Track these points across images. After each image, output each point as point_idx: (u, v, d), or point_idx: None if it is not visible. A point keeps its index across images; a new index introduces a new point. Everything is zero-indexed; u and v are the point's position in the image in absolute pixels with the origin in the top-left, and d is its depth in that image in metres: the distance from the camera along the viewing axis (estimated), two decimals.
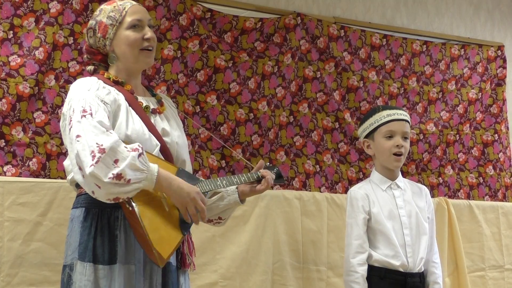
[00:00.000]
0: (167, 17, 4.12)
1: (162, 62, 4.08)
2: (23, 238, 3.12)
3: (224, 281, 3.59)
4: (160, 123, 2.62)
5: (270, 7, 4.58)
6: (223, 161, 4.23)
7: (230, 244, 3.64)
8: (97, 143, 2.28)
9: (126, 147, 2.33)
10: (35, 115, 3.67)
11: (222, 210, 2.78)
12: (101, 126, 2.35)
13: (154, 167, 2.37)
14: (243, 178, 2.71)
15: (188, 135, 4.09)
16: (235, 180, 2.68)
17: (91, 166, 2.25)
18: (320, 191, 4.44)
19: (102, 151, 2.27)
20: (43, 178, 3.57)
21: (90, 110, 2.39)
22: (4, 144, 3.58)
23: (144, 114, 2.57)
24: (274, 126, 4.44)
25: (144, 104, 2.60)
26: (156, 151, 2.51)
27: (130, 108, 2.54)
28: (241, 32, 4.41)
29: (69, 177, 2.53)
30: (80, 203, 2.49)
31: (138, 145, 2.36)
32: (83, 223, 2.44)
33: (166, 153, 2.56)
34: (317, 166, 4.57)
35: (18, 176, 3.55)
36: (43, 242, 3.12)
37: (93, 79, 2.55)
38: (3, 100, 3.58)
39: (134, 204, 2.34)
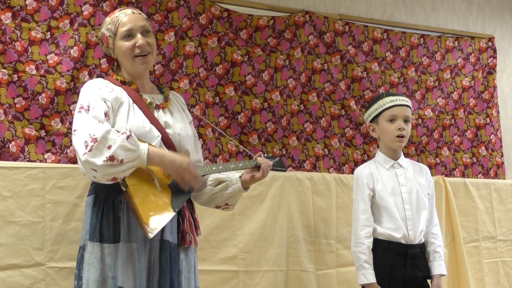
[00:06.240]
0: (188, 17, 4.11)
1: (184, 57, 4.08)
2: (63, 218, 3.14)
3: (243, 254, 3.60)
4: (163, 116, 2.64)
5: (281, 6, 4.57)
6: (241, 146, 4.23)
7: (249, 221, 3.64)
8: (89, 134, 2.34)
9: (116, 133, 2.37)
10: (71, 107, 3.68)
11: (228, 197, 2.79)
12: (94, 119, 2.40)
13: (144, 145, 2.41)
14: (240, 164, 2.73)
15: (210, 122, 4.09)
16: (232, 166, 2.70)
17: (84, 154, 2.31)
18: (329, 172, 4.44)
19: (94, 140, 2.33)
20: None
21: (88, 106, 2.45)
22: (44, 134, 3.60)
23: (147, 109, 2.59)
24: (286, 114, 4.43)
25: (148, 101, 2.63)
26: (158, 141, 2.54)
27: (134, 104, 2.57)
28: (255, 29, 4.40)
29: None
30: (91, 191, 2.55)
31: (126, 129, 2.41)
32: (93, 207, 2.50)
33: (168, 143, 2.58)
34: (326, 149, 4.56)
35: (58, 162, 3.58)
36: (80, 221, 3.07)
37: (98, 80, 2.62)
38: (43, 95, 3.60)
39: (127, 184, 2.38)
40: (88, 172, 2.35)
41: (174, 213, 2.48)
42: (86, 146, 2.32)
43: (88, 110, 2.44)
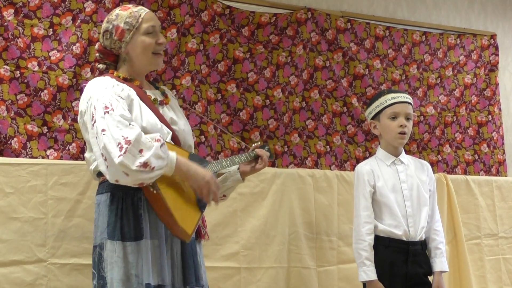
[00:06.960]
0: (190, 13, 4.11)
1: (186, 54, 4.07)
2: (65, 215, 3.13)
3: (245, 251, 3.59)
4: (167, 113, 2.65)
5: (283, 3, 4.57)
6: (243, 143, 4.23)
7: (250, 217, 3.64)
8: (122, 136, 2.31)
9: (147, 138, 2.35)
10: (73, 104, 3.67)
11: (226, 189, 2.85)
12: (123, 119, 2.37)
13: (173, 155, 2.41)
14: (243, 157, 2.80)
15: (211, 120, 4.09)
16: (237, 160, 2.77)
17: (119, 156, 2.28)
18: (331, 169, 4.44)
19: (128, 142, 2.29)
20: (82, 160, 3.56)
21: (111, 106, 2.40)
22: (46, 130, 3.60)
23: (153, 106, 2.59)
24: (288, 111, 4.43)
25: (152, 97, 2.63)
26: (168, 138, 2.54)
27: (141, 101, 2.55)
28: (257, 26, 4.40)
29: (91, 167, 2.58)
30: (105, 189, 2.52)
31: (160, 136, 2.39)
32: (110, 206, 2.47)
33: (175, 140, 2.59)
34: (328, 146, 4.56)
35: (60, 159, 3.57)
36: (83, 218, 3.13)
37: (106, 78, 2.57)
38: (45, 91, 3.60)
39: (158, 187, 2.38)
40: (119, 174, 2.31)
41: (202, 214, 2.53)
42: (121, 148, 2.28)
43: (113, 109, 2.39)
